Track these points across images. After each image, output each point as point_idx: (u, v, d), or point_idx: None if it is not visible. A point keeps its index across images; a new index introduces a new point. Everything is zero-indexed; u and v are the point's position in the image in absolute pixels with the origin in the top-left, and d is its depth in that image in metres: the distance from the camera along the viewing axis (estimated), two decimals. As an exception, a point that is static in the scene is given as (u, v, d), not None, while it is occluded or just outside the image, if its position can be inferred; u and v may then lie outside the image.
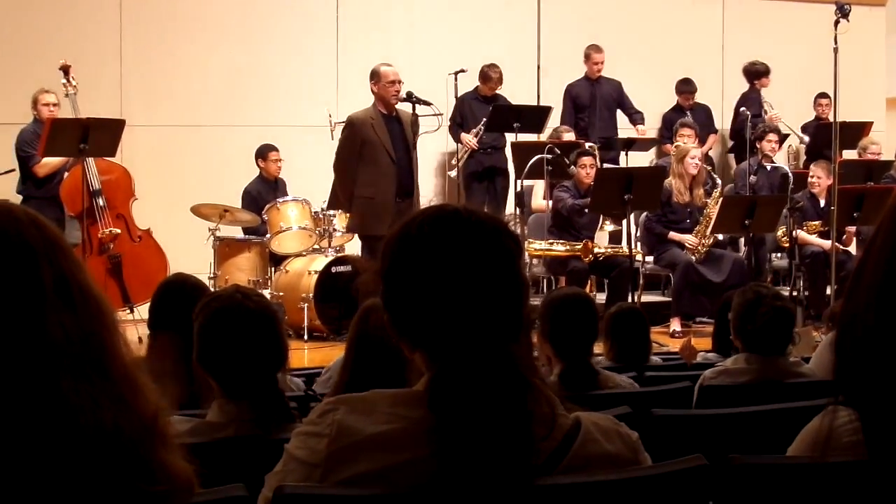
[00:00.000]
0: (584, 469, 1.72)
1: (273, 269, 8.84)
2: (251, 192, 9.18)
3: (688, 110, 11.05)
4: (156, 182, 9.32)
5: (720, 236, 9.14)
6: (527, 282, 1.78)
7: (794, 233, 8.82)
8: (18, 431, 1.34)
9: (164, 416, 1.49)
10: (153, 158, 9.70)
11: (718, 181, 9.34)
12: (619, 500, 1.76)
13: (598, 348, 4.14)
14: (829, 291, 8.81)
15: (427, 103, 8.08)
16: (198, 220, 8.64)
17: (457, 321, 1.69)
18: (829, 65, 7.94)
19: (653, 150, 10.97)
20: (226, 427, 2.56)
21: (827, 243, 8.75)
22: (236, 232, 8.91)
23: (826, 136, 9.07)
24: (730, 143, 11.49)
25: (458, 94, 10.02)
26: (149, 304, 3.68)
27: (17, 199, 7.85)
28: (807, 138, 11.40)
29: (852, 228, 9.02)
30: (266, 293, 8.01)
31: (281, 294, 8.34)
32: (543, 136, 9.96)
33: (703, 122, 11.12)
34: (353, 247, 8.91)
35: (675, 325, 8.75)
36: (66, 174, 8.30)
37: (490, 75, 10.03)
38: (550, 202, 9.07)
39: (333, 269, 8.29)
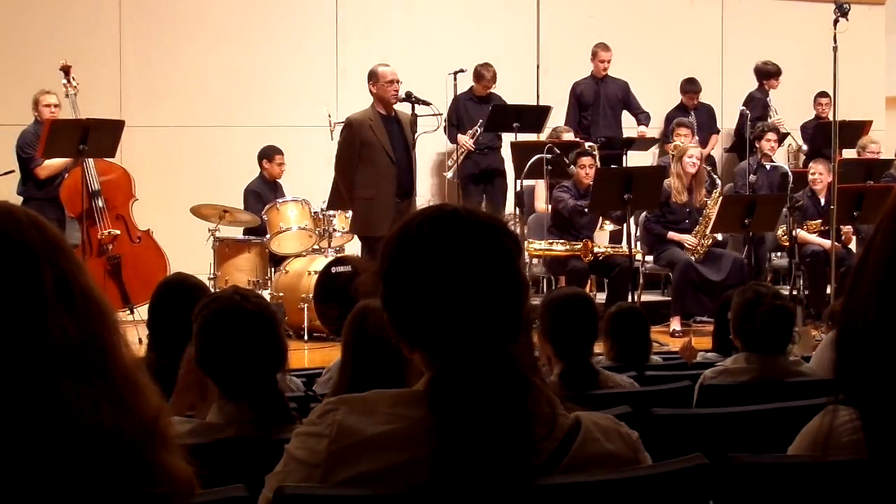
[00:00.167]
0: (585, 469, 1.72)
1: (273, 269, 8.84)
2: (256, 191, 9.19)
3: (692, 110, 11.05)
4: (155, 183, 9.32)
5: (719, 236, 9.14)
6: (526, 281, 1.78)
7: (794, 232, 8.81)
8: (19, 433, 1.34)
9: (164, 418, 1.49)
10: (153, 159, 9.70)
11: (718, 181, 9.34)
12: (620, 500, 1.76)
13: (599, 348, 4.14)
14: (829, 290, 8.81)
15: (427, 103, 8.08)
16: (197, 220, 8.64)
17: (456, 321, 1.69)
18: (829, 64, 7.94)
19: (656, 150, 10.94)
20: (226, 428, 2.56)
21: (827, 242, 8.75)
22: (236, 232, 8.91)
23: (826, 135, 9.06)
24: (730, 143, 11.48)
25: (457, 94, 10.03)
26: (148, 304, 3.68)
27: (17, 200, 7.84)
28: (805, 147, 11.40)
29: (848, 228, 9.02)
30: (266, 294, 8.02)
31: (281, 294, 8.34)
32: (543, 136, 9.96)
33: (706, 122, 11.12)
34: (353, 247, 8.91)
35: (676, 324, 8.75)
36: (66, 175, 8.30)
37: (483, 73, 10.04)
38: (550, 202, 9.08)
39: (333, 270, 8.29)
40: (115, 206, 8.29)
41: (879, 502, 1.32)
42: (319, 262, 8.38)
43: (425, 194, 9.67)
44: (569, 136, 10.06)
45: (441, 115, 8.45)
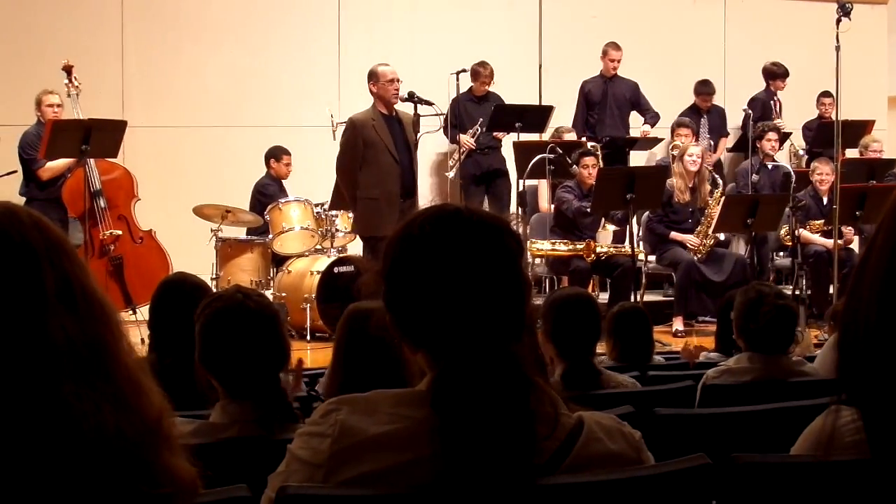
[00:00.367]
0: (587, 468, 1.72)
1: (275, 269, 8.84)
2: (269, 187, 9.20)
3: (705, 112, 11.03)
4: (158, 183, 9.33)
5: (722, 236, 9.14)
6: (529, 281, 1.78)
7: (796, 232, 8.81)
8: (20, 435, 1.34)
9: (167, 419, 1.49)
10: (155, 159, 9.70)
11: (720, 181, 9.34)
12: (622, 500, 1.76)
13: (601, 348, 4.14)
14: (831, 290, 8.80)
15: (429, 103, 8.08)
16: (200, 220, 8.65)
17: (459, 321, 1.69)
18: (831, 63, 7.93)
19: (663, 150, 10.92)
20: (229, 427, 2.56)
21: (829, 242, 8.74)
22: (238, 233, 8.92)
23: (828, 134, 9.06)
24: (733, 143, 11.48)
25: (457, 95, 10.03)
26: (149, 303, 3.68)
27: (19, 200, 7.84)
28: (804, 148, 11.40)
29: (849, 229, 9.02)
30: (268, 294, 8.02)
31: (283, 294, 8.34)
32: (546, 136, 9.97)
33: (717, 125, 11.11)
34: (356, 247, 8.91)
35: (678, 324, 8.75)
36: (68, 175, 8.30)
37: (479, 71, 10.05)
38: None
39: (336, 270, 8.29)
40: (117, 205, 8.29)
41: (882, 502, 1.32)
42: (322, 263, 8.38)
43: (427, 194, 9.68)
44: (570, 135, 10.06)
45: (443, 114, 8.45)
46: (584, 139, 10.26)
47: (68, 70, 8.39)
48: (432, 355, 1.73)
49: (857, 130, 10.71)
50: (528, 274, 1.80)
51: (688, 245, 8.95)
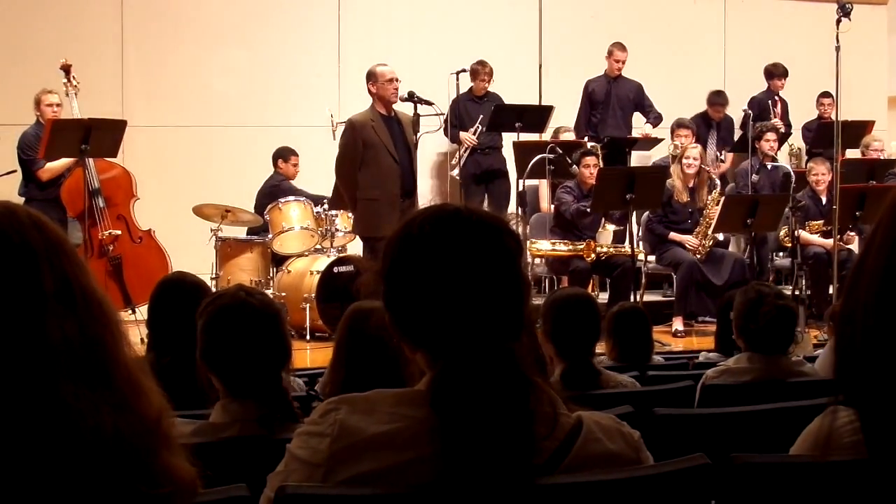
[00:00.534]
0: (586, 468, 1.72)
1: (275, 269, 8.84)
2: (284, 184, 9.25)
3: (716, 123, 11.01)
4: (157, 183, 9.33)
5: (720, 236, 9.14)
6: (528, 281, 1.78)
7: (795, 232, 8.81)
8: (17, 436, 1.34)
9: (167, 419, 1.49)
10: (154, 159, 9.71)
11: (717, 182, 9.34)
12: (621, 500, 1.76)
13: (600, 348, 4.14)
14: (831, 290, 8.80)
15: (429, 103, 8.08)
16: (200, 220, 8.65)
17: (458, 320, 1.69)
18: (831, 64, 7.94)
19: (663, 151, 10.91)
20: (229, 427, 2.56)
21: (829, 242, 8.74)
22: (238, 232, 8.92)
23: (828, 135, 9.06)
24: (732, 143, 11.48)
25: (457, 95, 10.04)
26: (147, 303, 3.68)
27: (18, 200, 7.82)
28: (806, 156, 11.42)
29: (852, 234, 9.02)
30: (268, 293, 8.01)
31: (283, 294, 8.33)
32: (546, 136, 9.97)
33: (726, 136, 11.10)
34: (355, 247, 8.91)
35: (678, 324, 8.75)
36: (67, 175, 8.29)
37: (477, 70, 10.07)
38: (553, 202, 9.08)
39: (335, 270, 8.29)
40: (116, 204, 8.28)
41: (880, 503, 1.32)
42: (321, 262, 8.38)
43: (426, 194, 9.67)
44: (568, 135, 10.07)
45: (443, 114, 8.45)
46: (585, 139, 10.28)
47: (66, 69, 8.38)
48: (431, 355, 1.73)
49: (857, 131, 10.71)
50: (528, 274, 1.80)
51: (687, 246, 8.95)
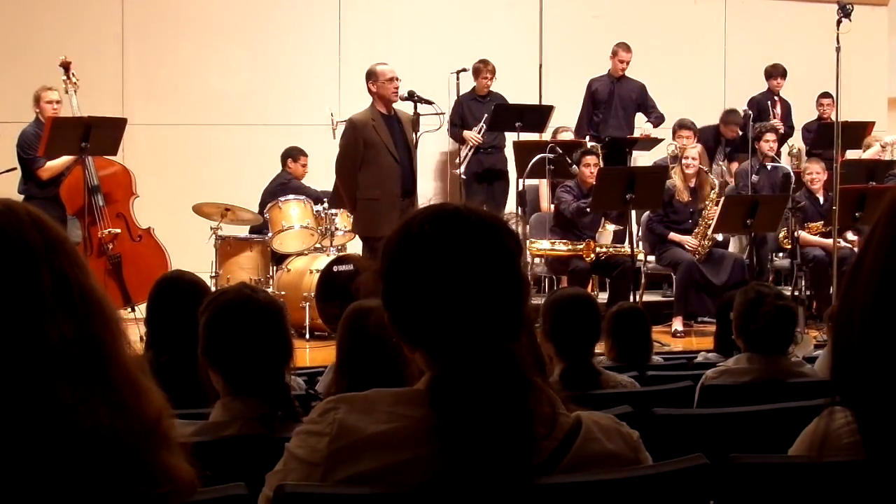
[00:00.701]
0: (585, 468, 1.72)
1: (275, 267, 8.84)
2: (293, 182, 9.26)
3: (727, 141, 10.98)
4: (157, 181, 9.33)
5: (720, 237, 9.14)
6: (527, 280, 1.78)
7: (795, 233, 8.81)
8: (14, 436, 1.34)
9: (166, 419, 1.49)
10: (154, 157, 9.71)
11: (716, 182, 9.34)
12: (620, 500, 1.76)
13: (599, 348, 4.13)
14: (831, 291, 8.80)
15: (429, 102, 8.08)
16: (199, 218, 8.65)
17: (457, 320, 1.69)
18: (832, 65, 7.93)
19: (663, 151, 10.91)
20: (229, 425, 2.55)
21: (827, 241, 8.74)
22: (238, 231, 8.92)
23: (828, 135, 9.06)
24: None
25: (460, 93, 10.04)
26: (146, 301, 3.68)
27: (18, 198, 7.83)
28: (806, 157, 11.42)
29: (854, 238, 9.02)
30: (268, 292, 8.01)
31: (282, 293, 8.33)
32: (546, 136, 9.97)
33: (734, 154, 11.07)
34: (355, 246, 8.91)
35: (678, 324, 8.75)
36: (66, 173, 8.28)
37: (480, 68, 10.11)
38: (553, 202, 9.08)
39: (335, 268, 8.29)
40: (116, 200, 8.27)
41: (879, 503, 1.32)
42: (321, 261, 8.38)
43: (427, 193, 9.68)
44: (566, 135, 10.06)
45: (443, 114, 8.45)
46: (586, 138, 10.28)
47: (66, 66, 8.37)
48: (430, 354, 1.73)
49: (857, 132, 10.71)
50: (527, 273, 1.80)
51: (686, 246, 8.95)
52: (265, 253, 8.74)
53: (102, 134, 7.89)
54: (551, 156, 8.60)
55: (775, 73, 11.25)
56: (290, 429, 2.35)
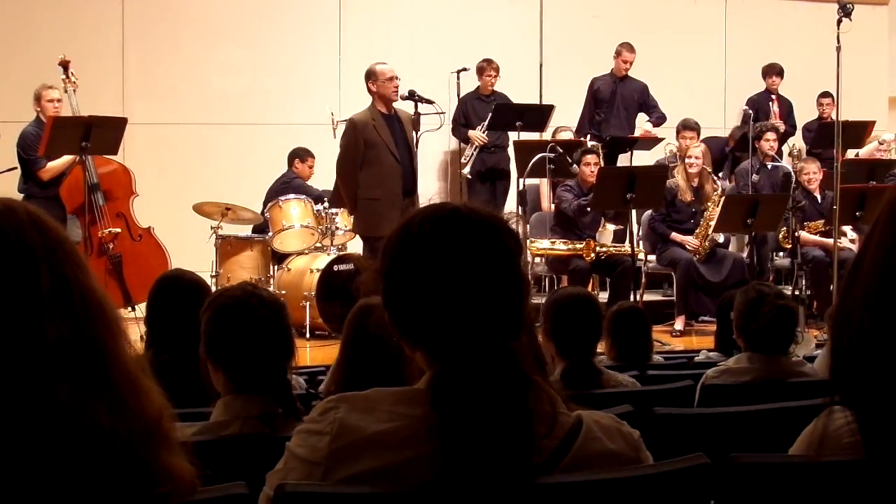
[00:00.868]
0: (586, 468, 1.72)
1: (275, 267, 8.84)
2: (293, 183, 9.27)
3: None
4: (157, 180, 9.33)
5: (720, 239, 9.14)
6: (527, 279, 1.78)
7: (795, 232, 8.80)
8: (12, 437, 1.33)
9: (167, 419, 1.49)
10: (155, 156, 9.71)
11: (719, 184, 9.34)
12: (621, 499, 1.76)
13: (600, 347, 4.13)
14: (831, 289, 8.80)
15: (429, 102, 8.08)
16: (200, 218, 8.64)
17: (457, 319, 1.69)
18: (832, 64, 7.93)
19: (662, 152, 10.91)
20: (230, 424, 2.55)
21: (827, 241, 8.74)
22: (238, 230, 8.92)
23: (829, 135, 9.06)
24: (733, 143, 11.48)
25: (460, 92, 10.04)
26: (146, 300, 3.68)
27: (18, 197, 7.81)
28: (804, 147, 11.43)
29: (853, 237, 9.02)
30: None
31: (283, 292, 8.33)
32: (546, 135, 9.97)
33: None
34: (356, 245, 8.91)
35: (679, 323, 8.75)
36: (67, 173, 8.28)
37: (484, 67, 10.13)
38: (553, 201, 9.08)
39: (335, 268, 8.29)
40: (116, 199, 8.26)
41: (879, 502, 1.32)
42: (322, 260, 8.38)
43: (428, 193, 9.67)
44: (566, 134, 10.06)
45: (444, 113, 8.44)
46: (587, 137, 10.28)
47: (65, 65, 8.36)
48: (431, 353, 1.73)
49: (858, 131, 10.70)
50: (527, 272, 1.80)
51: (687, 246, 8.95)
52: (266, 252, 8.74)
53: (103, 133, 7.89)
54: (552, 155, 8.59)
55: (772, 71, 11.26)
56: (291, 428, 2.35)
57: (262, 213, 8.76)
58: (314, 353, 7.62)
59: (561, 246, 8.78)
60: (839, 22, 7.79)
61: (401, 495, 1.64)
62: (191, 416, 2.64)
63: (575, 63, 10.85)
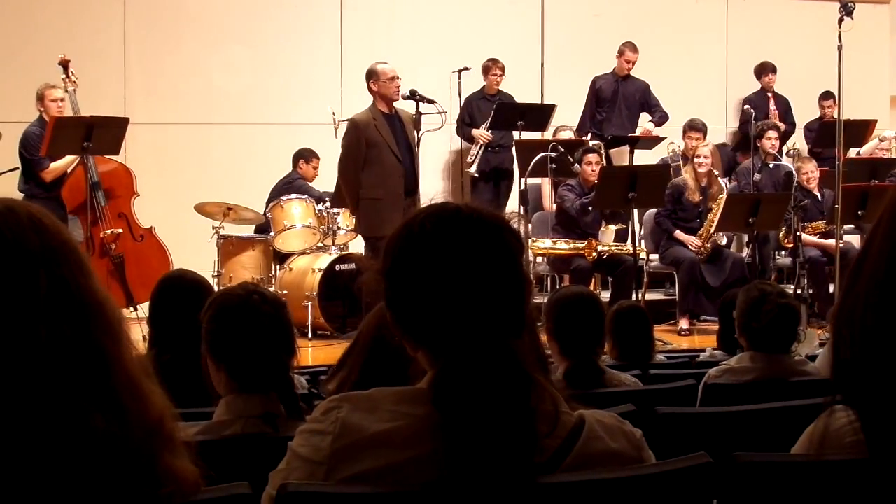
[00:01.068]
0: (588, 467, 1.72)
1: (277, 267, 8.84)
2: (295, 184, 9.27)
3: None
4: (159, 180, 9.33)
5: (723, 240, 9.14)
6: (529, 279, 1.78)
7: (797, 231, 8.80)
8: (11, 440, 1.33)
9: (169, 421, 1.48)
10: (156, 156, 9.71)
11: (724, 185, 9.33)
12: (623, 498, 1.76)
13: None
14: (832, 289, 8.80)
15: (431, 101, 8.08)
16: (201, 218, 8.65)
17: (459, 318, 1.69)
18: (833, 63, 7.93)
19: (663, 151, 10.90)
20: (232, 424, 2.56)
21: (829, 242, 8.74)
22: (240, 230, 8.92)
23: (830, 134, 9.06)
24: (735, 142, 11.47)
25: (462, 92, 10.03)
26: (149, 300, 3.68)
27: (19, 196, 7.81)
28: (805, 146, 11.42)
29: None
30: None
31: (285, 292, 8.33)
32: (547, 135, 9.97)
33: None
34: (357, 245, 8.92)
35: (683, 323, 8.75)
36: (68, 173, 8.27)
37: (489, 66, 10.15)
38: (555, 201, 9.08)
39: (337, 268, 8.30)
40: (117, 197, 8.26)
41: (882, 501, 1.32)
42: (324, 260, 8.38)
43: (431, 193, 9.66)
44: (567, 133, 10.06)
45: (445, 112, 8.44)
46: (588, 136, 10.28)
47: (65, 65, 8.36)
48: (433, 353, 1.73)
49: (859, 130, 10.70)
50: (529, 272, 1.80)
51: (689, 246, 8.95)
52: (267, 252, 8.74)
53: (104, 133, 7.89)
54: (553, 154, 8.59)
55: (766, 70, 11.25)
56: (293, 427, 2.35)
57: (265, 212, 8.77)
58: (316, 353, 7.62)
59: (563, 245, 8.78)
60: (840, 21, 7.79)
61: (403, 495, 1.64)
62: (193, 416, 2.64)
63: (576, 62, 10.85)
